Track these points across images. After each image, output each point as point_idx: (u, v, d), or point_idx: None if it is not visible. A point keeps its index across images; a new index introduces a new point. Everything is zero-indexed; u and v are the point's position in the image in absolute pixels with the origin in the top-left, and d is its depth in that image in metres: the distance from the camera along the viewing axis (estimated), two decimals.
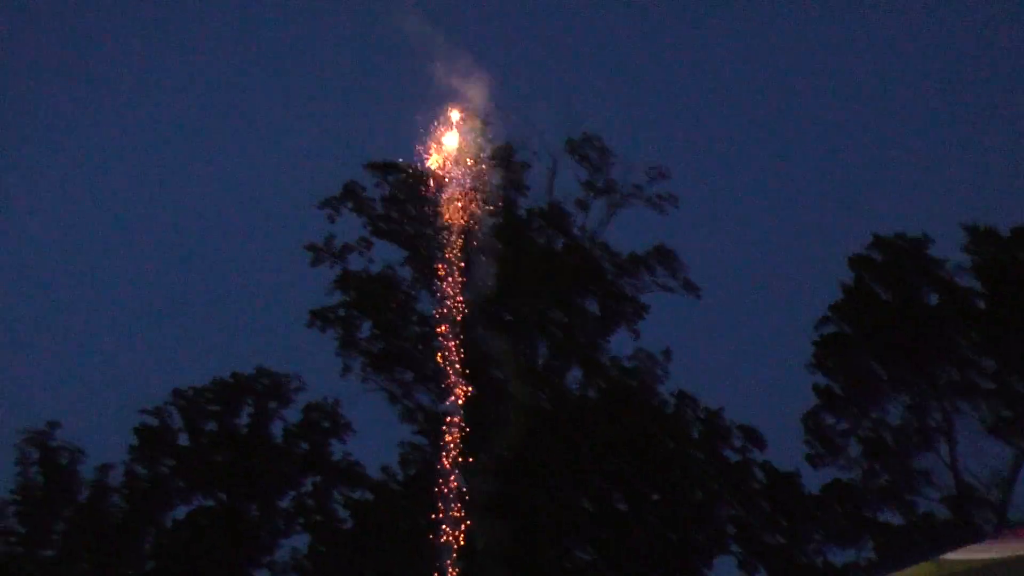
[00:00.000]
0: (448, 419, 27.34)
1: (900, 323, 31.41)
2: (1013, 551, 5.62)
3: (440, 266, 29.78)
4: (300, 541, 34.89)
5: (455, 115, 27.66)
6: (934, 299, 32.09)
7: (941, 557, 6.01)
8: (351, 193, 34.31)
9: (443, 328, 28.12)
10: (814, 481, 32.51)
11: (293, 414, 36.12)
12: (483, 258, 30.22)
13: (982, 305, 31.25)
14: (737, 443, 33.73)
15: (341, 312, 33.73)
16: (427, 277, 33.34)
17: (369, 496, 34.42)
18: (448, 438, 27.64)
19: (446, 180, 34.49)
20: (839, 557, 31.80)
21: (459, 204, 31.44)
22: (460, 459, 29.50)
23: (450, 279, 29.04)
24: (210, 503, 35.20)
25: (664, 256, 34.05)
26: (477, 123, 33.70)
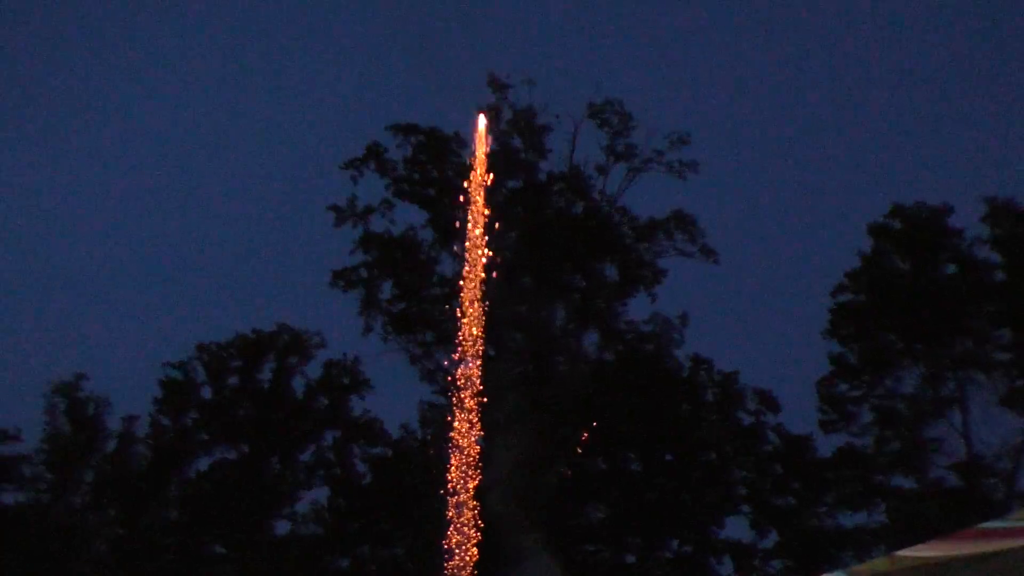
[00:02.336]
0: (466, 380, 27.74)
1: (917, 293, 31.55)
2: (967, 550, 5.92)
3: (461, 228, 29.95)
4: (320, 494, 35.72)
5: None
6: (951, 269, 32.20)
7: (894, 553, 6.33)
8: (374, 154, 34.53)
9: (463, 291, 28.43)
10: (826, 446, 32.98)
11: (314, 370, 36.78)
12: (504, 221, 30.43)
13: (999, 277, 31.38)
14: (751, 407, 34.16)
15: (363, 273, 34.13)
16: (448, 239, 33.65)
17: (388, 452, 35.12)
18: (465, 399, 28.08)
19: (468, 142, 34.74)
20: (849, 521, 32.32)
21: (481, 167, 31.62)
22: (476, 419, 30.00)
23: (471, 242, 29.24)
24: (232, 455, 36.02)
25: (683, 221, 34.15)
26: (500, 88, 33.94)
